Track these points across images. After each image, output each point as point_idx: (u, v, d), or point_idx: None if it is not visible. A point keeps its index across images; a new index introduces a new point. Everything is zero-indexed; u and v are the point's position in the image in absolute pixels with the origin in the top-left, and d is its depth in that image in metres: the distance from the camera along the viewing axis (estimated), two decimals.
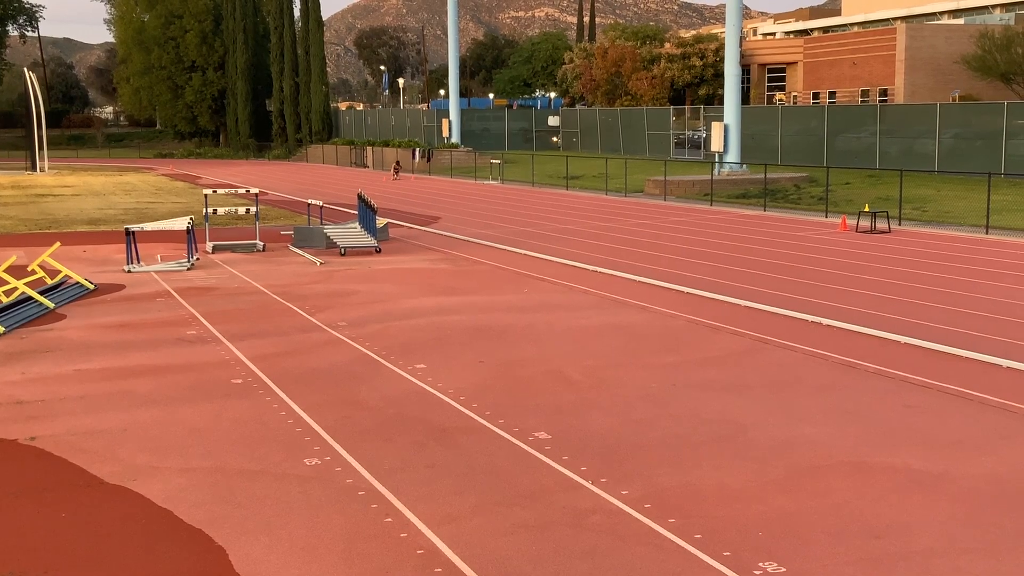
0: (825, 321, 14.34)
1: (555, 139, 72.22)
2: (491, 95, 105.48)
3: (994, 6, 74.03)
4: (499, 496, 7.81)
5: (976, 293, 16.54)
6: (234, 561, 6.72)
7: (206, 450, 9.02)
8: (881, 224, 26.00)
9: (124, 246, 20.88)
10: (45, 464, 8.74)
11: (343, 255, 22.29)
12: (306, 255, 22.37)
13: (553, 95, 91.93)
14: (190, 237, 21.50)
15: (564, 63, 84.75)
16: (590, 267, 19.95)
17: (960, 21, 70.01)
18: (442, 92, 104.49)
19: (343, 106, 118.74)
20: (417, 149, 60.89)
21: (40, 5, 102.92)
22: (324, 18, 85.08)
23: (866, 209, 26.65)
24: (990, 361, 11.87)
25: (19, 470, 8.61)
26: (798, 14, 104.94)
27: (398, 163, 55.17)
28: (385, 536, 7.08)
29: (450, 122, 65.52)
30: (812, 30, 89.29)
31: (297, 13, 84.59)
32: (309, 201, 28.12)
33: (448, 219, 30.67)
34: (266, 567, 6.61)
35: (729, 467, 8.40)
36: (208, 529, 7.25)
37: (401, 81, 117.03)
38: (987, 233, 24.77)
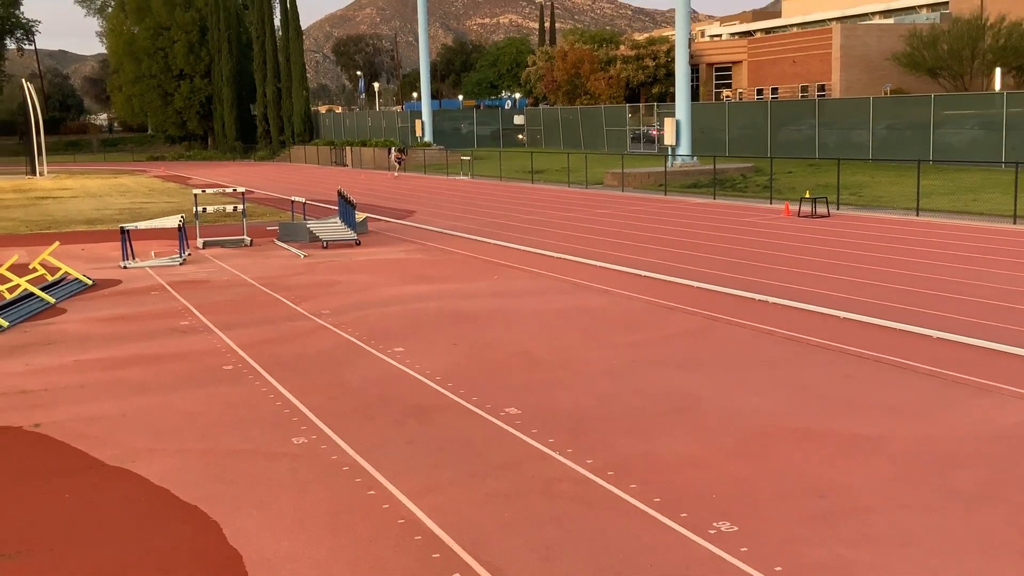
0: (771, 299, 14.43)
1: (521, 137, 72.15)
2: (460, 97, 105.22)
3: (921, 6, 74.58)
4: (474, 468, 7.81)
5: (908, 271, 16.69)
6: (228, 535, 6.68)
7: (200, 433, 8.96)
8: (821, 209, 26.15)
9: (120, 244, 20.71)
10: (49, 449, 8.65)
11: (325, 248, 22.18)
12: (291, 249, 22.25)
13: (518, 96, 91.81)
14: (181, 234, 21.36)
15: (527, 66, 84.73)
16: (555, 254, 19.96)
17: (890, 21, 70.46)
18: (415, 95, 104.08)
19: (323, 109, 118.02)
20: (392, 148, 60.67)
21: (36, 20, 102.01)
22: (303, 27, 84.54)
23: (807, 196, 26.80)
24: (922, 333, 11.99)
25: (25, 455, 8.53)
26: (742, 17, 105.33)
27: (400, 159, 52.72)
28: (369, 508, 7.06)
29: (423, 122, 65.31)
30: (755, 31, 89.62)
31: (277, 23, 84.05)
32: (292, 198, 27.96)
33: (422, 213, 30.59)
34: (258, 540, 6.58)
35: (686, 436, 8.44)
36: (203, 506, 7.21)
37: (376, 85, 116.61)
38: (918, 215, 24.99)
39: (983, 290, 14.70)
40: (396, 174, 50.59)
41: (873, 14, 78.25)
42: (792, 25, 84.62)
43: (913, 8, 75.08)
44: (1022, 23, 53.45)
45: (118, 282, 18.19)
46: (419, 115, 66.91)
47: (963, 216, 24.61)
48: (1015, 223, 22.62)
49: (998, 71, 52.39)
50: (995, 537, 6.33)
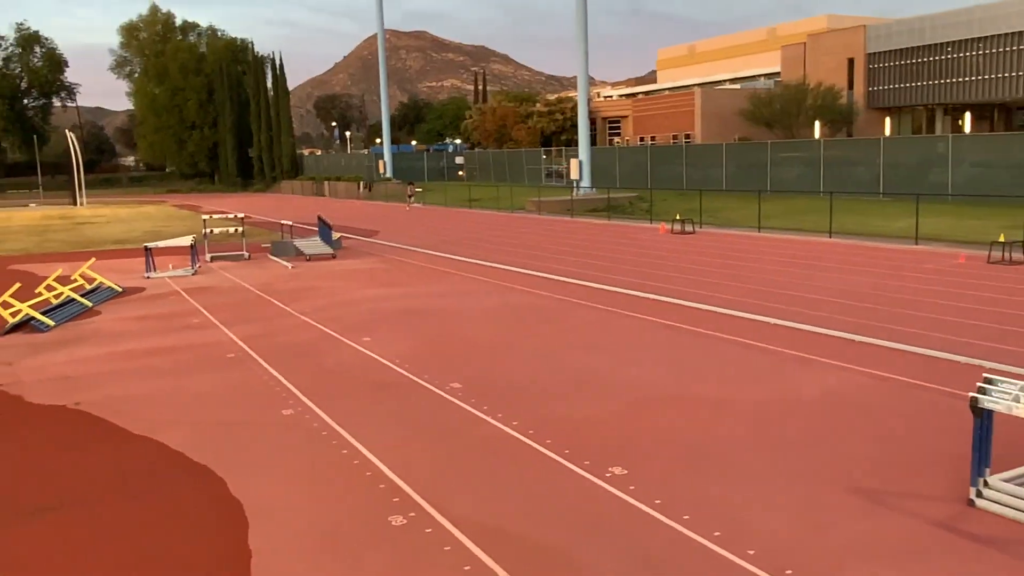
0: (652, 296, 14.55)
1: (461, 173, 71.89)
2: (414, 142, 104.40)
3: (760, 75, 76.08)
4: (426, 431, 7.73)
5: (752, 274, 16.98)
6: (231, 488, 6.51)
7: (209, 408, 8.74)
8: (688, 228, 26.50)
9: (144, 259, 20.14)
10: (87, 422, 8.36)
11: (308, 260, 21.83)
12: (281, 261, 21.85)
13: (458, 141, 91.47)
14: (193, 251, 20.87)
15: (466, 119, 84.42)
16: (487, 263, 19.90)
17: (738, 86, 71.79)
18: (378, 140, 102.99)
19: (306, 152, 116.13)
20: (361, 182, 60.00)
21: (77, 83, 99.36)
22: (289, 88, 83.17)
23: (678, 217, 27.15)
24: (760, 319, 12.20)
25: (68, 427, 8.22)
26: (628, 82, 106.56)
27: (412, 193, 46.73)
28: (343, 464, 6.94)
29: (384, 162, 64.73)
30: (638, 93, 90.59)
31: (269, 85, 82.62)
32: (282, 221, 27.48)
33: (385, 233, 30.28)
34: (255, 491, 6.43)
35: (590, 402, 8.46)
36: (212, 465, 7.02)
37: (348, 133, 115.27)
38: (759, 232, 25.44)
39: (808, 288, 15.02)
40: (409, 207, 43.92)
41: (724, 80, 79.59)
42: (665, 89, 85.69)
43: (755, 76, 76.56)
44: (834, 87, 54.89)
45: (142, 289, 17.67)
46: (381, 156, 66.32)
47: (793, 232, 25.12)
48: (831, 237, 23.16)
49: (817, 123, 53.73)
50: (818, 472, 6.46)
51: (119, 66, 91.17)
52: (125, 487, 6.61)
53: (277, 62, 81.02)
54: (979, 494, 5.82)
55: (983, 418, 5.80)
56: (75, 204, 61.32)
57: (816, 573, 4.94)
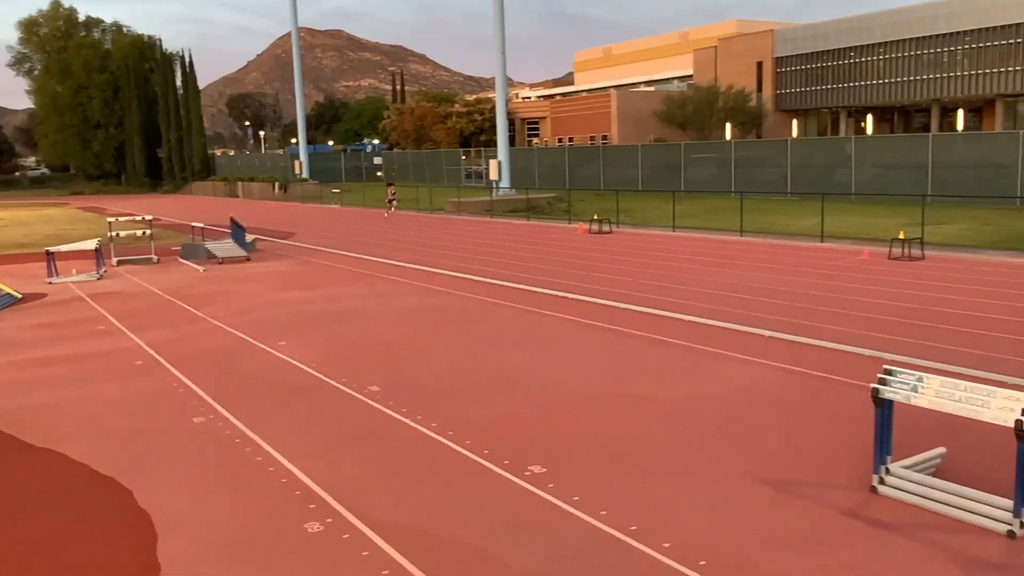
0: (570, 295, 14.69)
1: (379, 173, 71.16)
2: (331, 142, 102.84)
3: (674, 78, 77.72)
4: (344, 435, 7.61)
5: (667, 272, 17.31)
6: (139, 499, 6.27)
7: (116, 416, 8.40)
8: (605, 227, 26.84)
9: (45, 263, 19.24)
10: None
11: (221, 263, 21.24)
12: (191, 264, 21.20)
13: (376, 141, 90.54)
14: (98, 254, 20.05)
15: (384, 119, 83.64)
16: (406, 264, 19.75)
17: (652, 88, 73.19)
18: (293, 140, 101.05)
19: (219, 152, 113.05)
20: (276, 183, 58.75)
21: None
22: (200, 87, 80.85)
23: (595, 217, 27.48)
24: (676, 317, 12.46)
25: None
26: (546, 83, 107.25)
27: (391, 201, 40.91)
28: (257, 472, 6.77)
29: (300, 162, 63.54)
30: (555, 95, 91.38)
31: (179, 83, 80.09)
32: (193, 223, 26.65)
33: (301, 234, 29.71)
34: (164, 502, 6.21)
35: (511, 402, 8.47)
36: (118, 476, 6.75)
37: (262, 133, 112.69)
38: (674, 231, 25.98)
39: (721, 285, 15.41)
40: (387, 213, 39.00)
41: (640, 83, 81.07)
42: (582, 91, 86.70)
43: (668, 79, 78.21)
44: (744, 90, 56.53)
45: (44, 295, 16.89)
46: (297, 156, 65.05)
47: (706, 231, 25.73)
48: (742, 235, 23.83)
49: (728, 125, 55.24)
50: (732, 465, 6.63)
51: (18, 63, 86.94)
52: (25, 502, 6.29)
53: (187, 59, 78.72)
54: (881, 481, 6.08)
55: (884, 408, 6.05)
56: None
57: (729, 563, 5.07)
